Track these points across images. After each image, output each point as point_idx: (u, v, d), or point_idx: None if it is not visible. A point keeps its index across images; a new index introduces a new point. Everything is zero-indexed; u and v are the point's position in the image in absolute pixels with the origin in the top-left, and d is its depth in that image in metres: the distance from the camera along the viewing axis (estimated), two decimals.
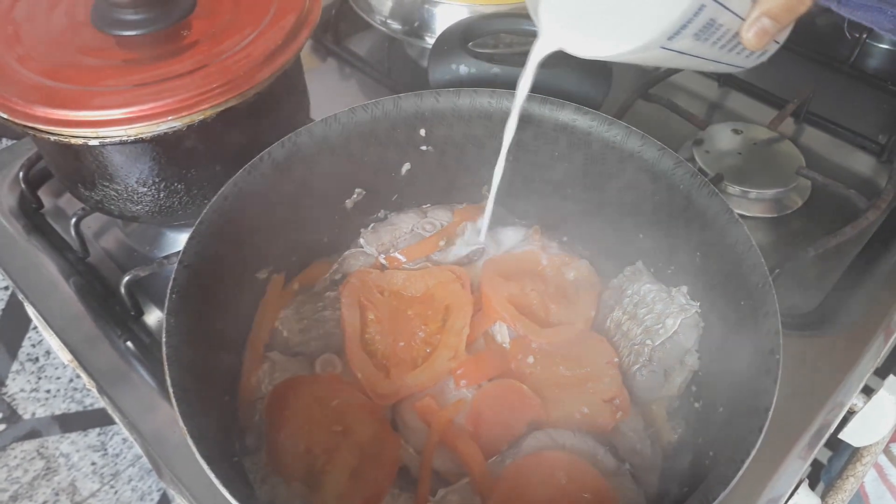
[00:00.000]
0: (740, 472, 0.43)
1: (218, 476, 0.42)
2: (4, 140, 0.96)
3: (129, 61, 0.64)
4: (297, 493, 0.53)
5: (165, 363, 0.47)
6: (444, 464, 0.57)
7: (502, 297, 0.63)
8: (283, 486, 0.54)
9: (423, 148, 0.67)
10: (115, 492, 1.44)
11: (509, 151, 0.67)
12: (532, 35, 0.54)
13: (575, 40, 0.50)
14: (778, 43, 0.54)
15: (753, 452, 0.44)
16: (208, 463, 0.42)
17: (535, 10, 0.52)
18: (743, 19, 0.46)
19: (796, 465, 0.60)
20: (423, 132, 0.66)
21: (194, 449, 0.43)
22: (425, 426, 0.58)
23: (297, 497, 0.53)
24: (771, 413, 0.45)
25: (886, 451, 0.90)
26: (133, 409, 0.64)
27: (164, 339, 0.48)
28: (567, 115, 0.63)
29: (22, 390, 1.18)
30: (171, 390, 0.45)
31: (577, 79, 0.70)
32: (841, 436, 0.72)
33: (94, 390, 0.68)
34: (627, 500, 0.54)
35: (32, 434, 1.24)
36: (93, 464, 1.37)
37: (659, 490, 0.56)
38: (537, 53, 0.54)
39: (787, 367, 0.47)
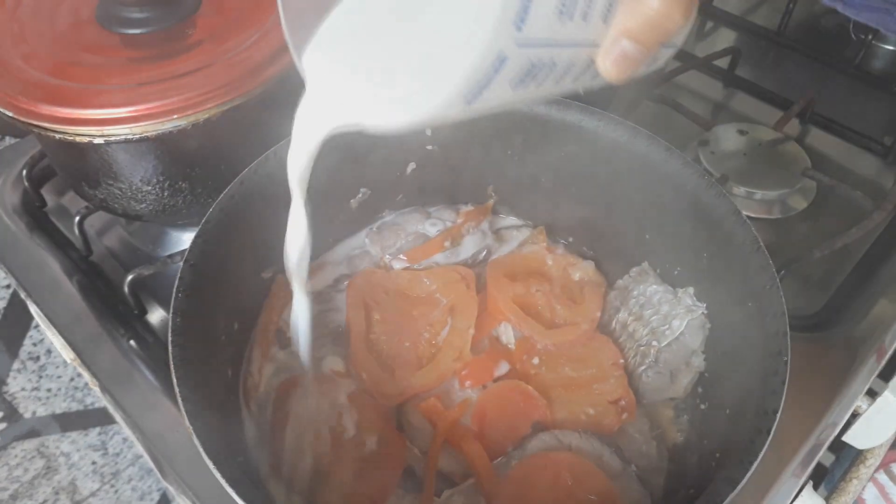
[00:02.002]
0: (748, 474, 0.43)
1: (224, 475, 0.42)
2: (7, 138, 0.96)
3: (133, 59, 0.64)
4: (302, 493, 0.53)
5: (171, 362, 0.46)
6: (450, 464, 0.57)
7: (507, 297, 0.63)
8: (287, 485, 0.54)
9: (429, 147, 0.67)
10: (116, 491, 1.44)
11: (514, 153, 0.67)
12: None
13: (355, 107, 0.38)
14: (674, 46, 0.42)
15: (761, 454, 0.43)
16: (215, 462, 0.42)
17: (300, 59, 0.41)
18: (593, 46, 0.35)
19: (801, 468, 0.60)
20: (428, 131, 0.66)
21: (201, 448, 0.43)
22: (430, 427, 0.58)
23: (302, 497, 0.53)
24: (779, 415, 0.45)
25: (887, 471, 0.90)
26: (135, 408, 0.64)
27: (170, 338, 0.47)
28: (573, 115, 0.62)
29: (23, 389, 1.18)
30: (177, 389, 0.45)
31: None
32: (845, 438, 0.71)
33: (97, 389, 0.68)
34: (633, 501, 0.54)
35: (33, 433, 1.23)
36: (93, 463, 1.36)
37: (665, 491, 0.56)
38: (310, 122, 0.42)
39: (792, 368, 0.47)
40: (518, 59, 0.32)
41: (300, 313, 0.53)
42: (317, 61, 0.41)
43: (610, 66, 0.35)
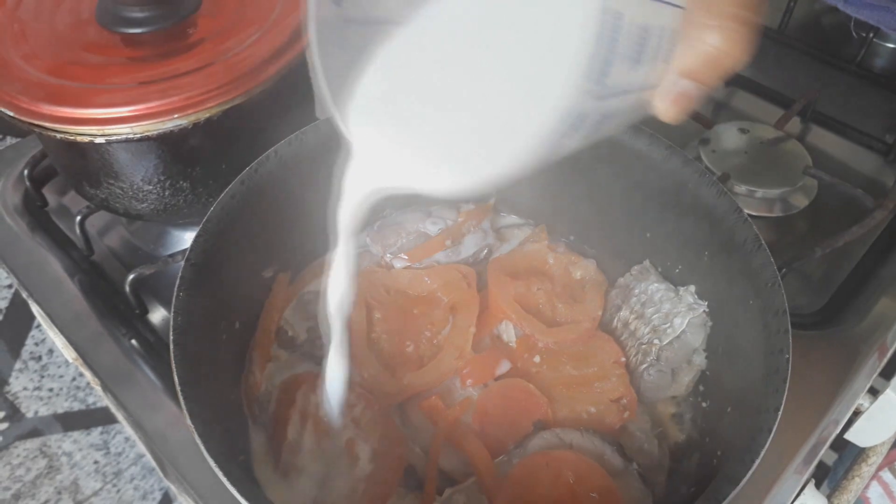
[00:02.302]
0: (750, 472, 0.43)
1: (226, 475, 0.42)
2: (9, 138, 0.96)
3: (134, 59, 0.64)
4: (302, 492, 0.53)
5: (173, 362, 0.46)
6: (451, 463, 0.57)
7: (509, 296, 0.63)
8: (288, 484, 0.54)
9: None
10: (118, 491, 1.44)
11: None
12: None
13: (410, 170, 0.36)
14: None
15: (763, 452, 0.43)
16: (216, 462, 0.42)
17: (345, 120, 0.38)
18: (653, 88, 0.34)
19: (803, 466, 0.60)
20: None
21: (202, 448, 0.43)
22: (432, 425, 0.58)
23: (304, 496, 0.53)
24: (781, 413, 0.45)
25: (892, 469, 0.90)
26: (137, 407, 0.64)
27: (171, 338, 0.47)
28: None
29: (25, 389, 1.18)
30: (178, 389, 0.45)
31: None
32: (846, 436, 0.71)
33: (99, 389, 0.68)
34: (635, 499, 0.54)
35: (35, 433, 1.23)
36: (95, 462, 1.36)
37: (666, 490, 0.56)
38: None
39: (793, 366, 0.47)
40: (594, 114, 0.30)
41: (336, 373, 0.52)
42: (364, 125, 0.38)
43: (669, 105, 0.34)
